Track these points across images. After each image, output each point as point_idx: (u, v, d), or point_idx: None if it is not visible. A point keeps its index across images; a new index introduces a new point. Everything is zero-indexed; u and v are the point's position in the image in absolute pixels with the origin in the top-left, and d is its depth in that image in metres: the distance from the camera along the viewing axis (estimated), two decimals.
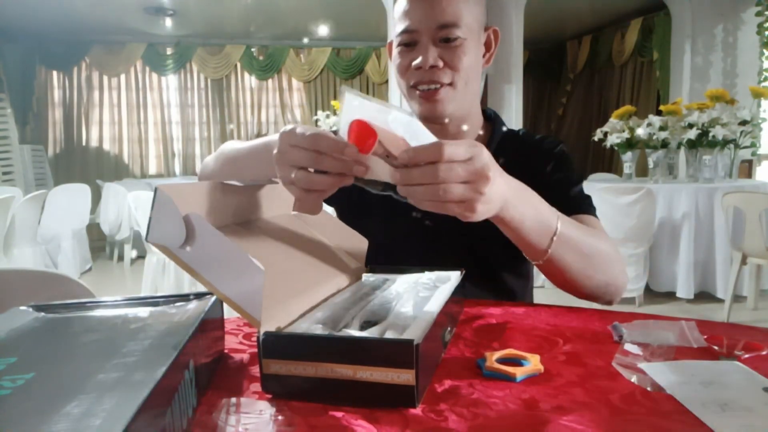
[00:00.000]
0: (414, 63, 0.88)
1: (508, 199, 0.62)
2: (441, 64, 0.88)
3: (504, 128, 1.03)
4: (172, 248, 0.46)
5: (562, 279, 0.75)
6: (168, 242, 0.46)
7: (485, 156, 0.56)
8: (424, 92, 0.90)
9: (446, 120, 0.94)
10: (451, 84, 0.89)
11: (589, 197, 0.94)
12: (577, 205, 0.90)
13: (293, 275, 0.72)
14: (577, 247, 0.72)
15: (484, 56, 0.95)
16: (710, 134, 3.58)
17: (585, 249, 0.74)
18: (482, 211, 0.57)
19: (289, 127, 0.61)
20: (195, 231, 0.48)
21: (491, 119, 1.03)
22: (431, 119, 0.93)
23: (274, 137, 0.74)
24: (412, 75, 0.90)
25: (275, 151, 0.60)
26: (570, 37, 7.77)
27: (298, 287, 0.64)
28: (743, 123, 3.63)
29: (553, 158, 0.97)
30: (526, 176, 0.95)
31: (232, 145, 0.90)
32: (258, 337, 0.48)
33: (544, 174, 0.96)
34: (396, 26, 0.91)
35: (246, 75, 7.61)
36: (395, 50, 0.93)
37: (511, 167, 0.96)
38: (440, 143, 0.54)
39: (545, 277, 0.77)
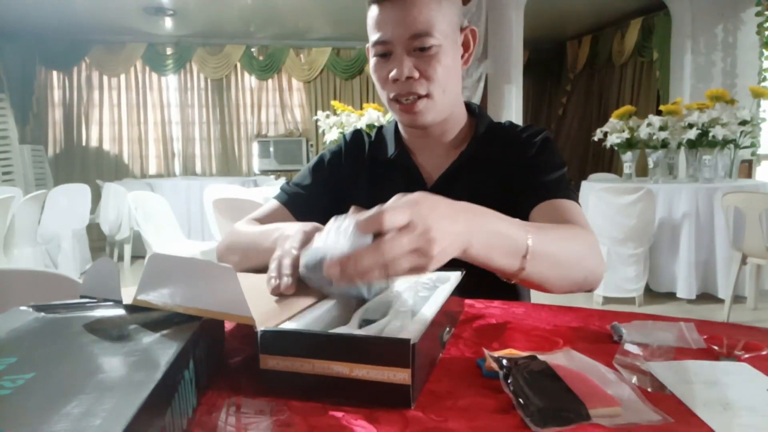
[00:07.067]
0: (390, 75, 0.88)
1: (468, 240, 0.57)
2: (417, 74, 0.87)
3: (488, 122, 1.02)
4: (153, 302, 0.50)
5: (538, 287, 0.73)
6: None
7: (425, 212, 0.52)
8: (403, 104, 0.90)
9: (427, 128, 0.95)
10: (428, 95, 0.89)
11: (568, 182, 0.92)
12: (554, 190, 0.88)
13: None
14: (551, 257, 0.68)
15: (462, 57, 0.94)
16: (710, 134, 3.59)
17: (560, 256, 0.70)
18: (436, 266, 0.54)
19: (277, 253, 0.65)
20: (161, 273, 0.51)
21: (475, 114, 1.03)
22: (413, 127, 0.96)
23: (272, 230, 0.80)
24: (390, 87, 0.90)
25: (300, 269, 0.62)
26: (570, 37, 7.76)
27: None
28: (743, 123, 3.64)
29: (535, 144, 0.96)
30: (509, 166, 0.96)
31: (243, 229, 0.94)
32: (256, 333, 0.48)
33: (525, 160, 0.95)
34: (369, 35, 0.90)
35: (246, 75, 7.61)
36: (372, 59, 0.93)
37: (494, 159, 0.97)
38: (379, 214, 0.50)
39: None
